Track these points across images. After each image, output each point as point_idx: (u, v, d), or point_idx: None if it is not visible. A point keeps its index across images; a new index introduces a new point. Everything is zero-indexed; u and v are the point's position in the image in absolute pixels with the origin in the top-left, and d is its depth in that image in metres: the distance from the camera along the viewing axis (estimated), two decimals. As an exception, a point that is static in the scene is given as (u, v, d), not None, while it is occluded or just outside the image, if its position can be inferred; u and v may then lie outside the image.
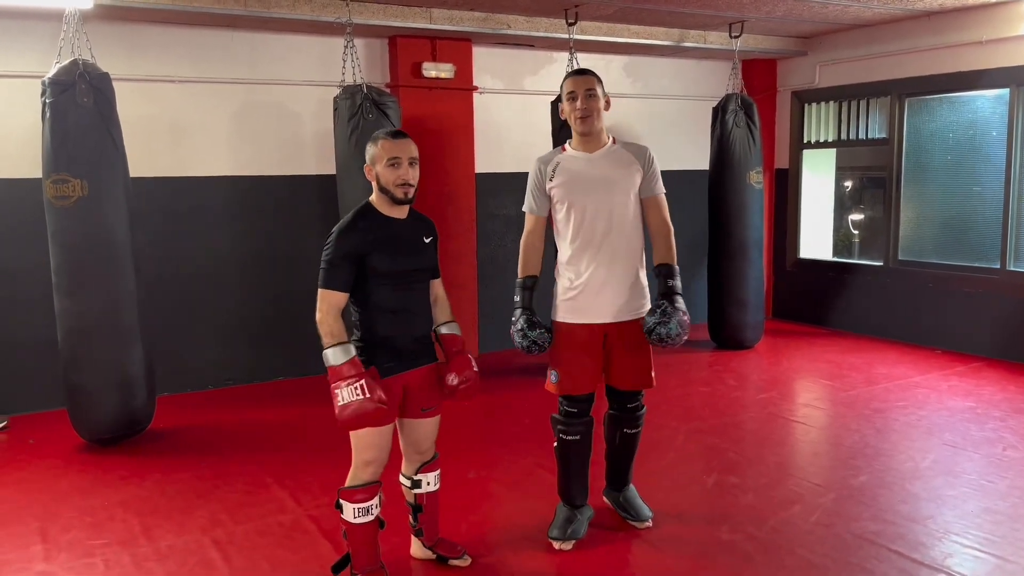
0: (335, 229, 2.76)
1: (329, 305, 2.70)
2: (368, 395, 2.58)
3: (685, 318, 3.05)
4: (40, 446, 4.56)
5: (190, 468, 4.17)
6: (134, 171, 4.62)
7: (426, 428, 3.00)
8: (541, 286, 3.29)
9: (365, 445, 2.78)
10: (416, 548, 3.18)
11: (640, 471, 3.51)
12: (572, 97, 3.14)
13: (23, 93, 4.88)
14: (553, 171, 3.21)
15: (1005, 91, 5.96)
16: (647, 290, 3.24)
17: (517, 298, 3.25)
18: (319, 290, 2.72)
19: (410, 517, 3.13)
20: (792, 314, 7.70)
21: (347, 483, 2.84)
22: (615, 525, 3.43)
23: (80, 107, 4.19)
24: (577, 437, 3.27)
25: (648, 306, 3.19)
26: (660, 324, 3.01)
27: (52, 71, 4.22)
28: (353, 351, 2.67)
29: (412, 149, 2.81)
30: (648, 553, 3.21)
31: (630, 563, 3.17)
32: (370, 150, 2.81)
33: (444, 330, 3.01)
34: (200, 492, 3.87)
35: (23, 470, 4.21)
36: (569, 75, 3.24)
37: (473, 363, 2.99)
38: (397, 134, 2.82)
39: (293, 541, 3.29)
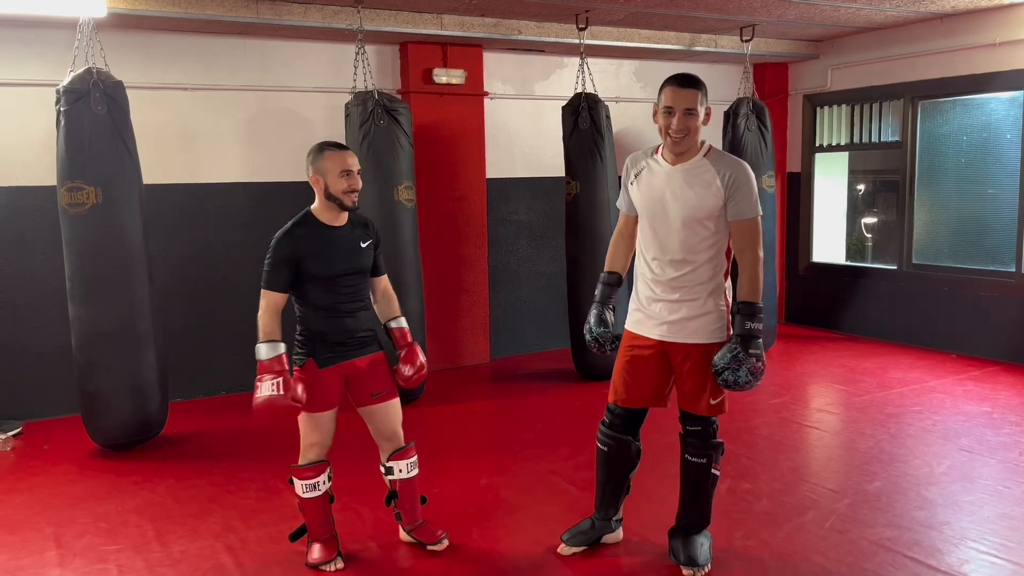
0: (275, 236, 2.99)
1: (267, 304, 2.95)
2: (283, 392, 2.83)
3: (759, 365, 2.82)
4: (54, 452, 4.59)
5: (204, 474, 4.19)
6: (148, 178, 4.65)
7: (383, 413, 3.18)
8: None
9: (308, 429, 3.09)
10: (402, 533, 3.37)
11: (651, 477, 3.48)
12: (668, 112, 2.86)
13: (38, 101, 4.92)
14: (635, 176, 3.04)
15: (1019, 93, 5.92)
16: (724, 316, 2.98)
17: (596, 292, 3.21)
18: (261, 289, 2.97)
19: (388, 503, 3.31)
20: (805, 318, 7.66)
21: (298, 462, 3.14)
22: (638, 532, 3.41)
23: (94, 115, 4.22)
24: (607, 449, 3.17)
25: (722, 335, 2.97)
26: (728, 370, 2.81)
27: (66, 79, 4.25)
28: (281, 348, 2.91)
29: (357, 161, 3.06)
30: (661, 560, 3.19)
31: (642, 571, 3.15)
32: (316, 161, 3.01)
33: (393, 324, 3.25)
34: (213, 497, 3.88)
35: (38, 476, 4.24)
36: (670, 83, 2.90)
37: (421, 353, 3.22)
38: (342, 146, 3.07)
39: (306, 547, 3.28)
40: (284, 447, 4.56)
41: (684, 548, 3.08)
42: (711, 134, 6.88)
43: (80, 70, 4.27)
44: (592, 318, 3.15)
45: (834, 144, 7.41)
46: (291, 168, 5.81)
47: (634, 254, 3.17)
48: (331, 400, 3.06)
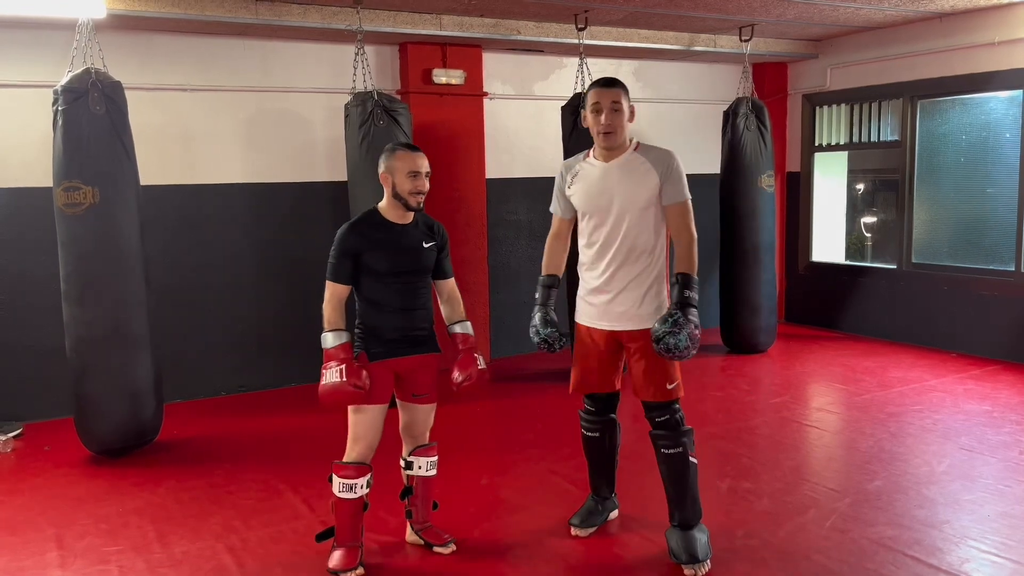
0: (340, 228, 3.09)
1: (331, 295, 3.05)
2: (346, 378, 2.91)
3: (697, 332, 2.95)
4: (55, 453, 4.58)
5: (204, 475, 4.18)
6: (145, 179, 4.65)
7: (418, 413, 3.24)
8: (564, 285, 3.36)
9: (353, 422, 3.10)
10: (409, 532, 3.37)
11: (653, 477, 3.47)
12: (596, 110, 3.07)
13: (36, 102, 4.90)
14: (572, 178, 3.22)
15: (1018, 92, 5.93)
16: (665, 301, 3.14)
17: (536, 295, 3.32)
18: (326, 281, 3.05)
19: (403, 498, 3.31)
20: (805, 318, 7.66)
21: (343, 459, 3.11)
22: (641, 532, 3.42)
23: (92, 115, 4.20)
24: (596, 434, 3.39)
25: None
26: (670, 334, 2.90)
27: (64, 79, 4.24)
28: (345, 337, 2.99)
29: (427, 163, 3.12)
30: (662, 559, 3.19)
31: (643, 569, 3.15)
32: (388, 159, 3.08)
33: (456, 328, 3.28)
34: (214, 499, 3.88)
35: (38, 477, 4.23)
36: (594, 85, 3.13)
37: (478, 360, 3.23)
38: (414, 148, 3.14)
39: (307, 547, 3.28)
40: (285, 449, 4.58)
41: (683, 547, 3.10)
42: (709, 131, 6.91)
43: (78, 70, 4.26)
44: (537, 320, 3.26)
45: (833, 144, 7.41)
46: (291, 169, 5.81)
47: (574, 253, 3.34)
48: (379, 395, 3.07)
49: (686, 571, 3.04)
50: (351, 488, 3.06)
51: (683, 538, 3.12)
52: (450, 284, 3.31)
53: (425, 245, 3.15)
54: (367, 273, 3.06)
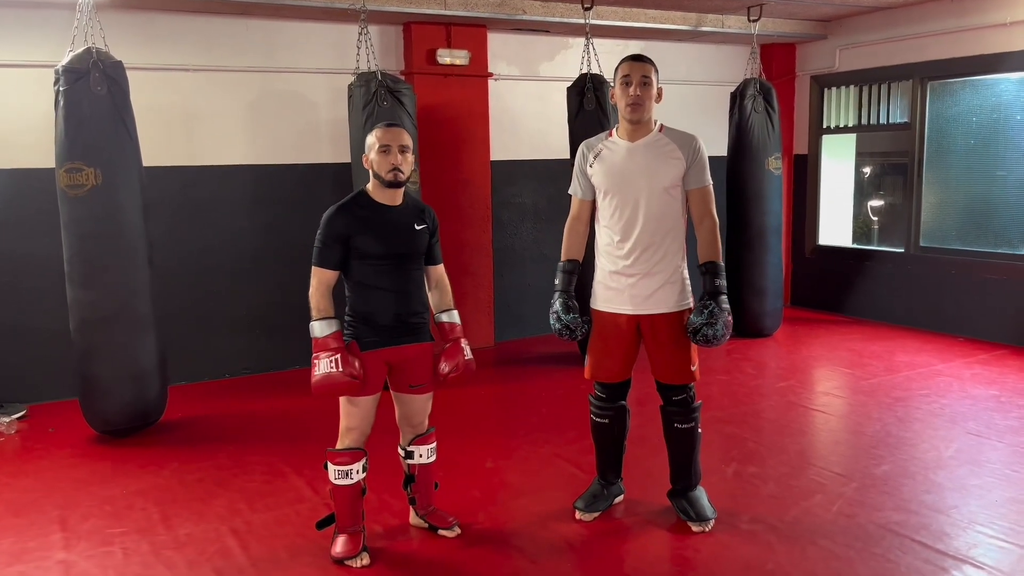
0: (326, 212, 2.98)
1: (319, 281, 2.94)
2: (341, 368, 2.83)
3: (730, 319, 3.04)
4: (59, 435, 4.58)
5: (208, 457, 4.18)
6: (148, 160, 4.62)
7: (416, 404, 3.18)
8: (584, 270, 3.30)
9: (346, 413, 3.04)
10: (412, 516, 3.36)
11: (659, 460, 3.47)
12: (626, 82, 3.05)
13: (37, 82, 4.87)
14: (594, 158, 3.17)
15: (1030, 74, 5.86)
16: (688, 284, 3.17)
17: (556, 281, 3.26)
18: (312, 267, 2.95)
19: (405, 487, 3.29)
20: (811, 301, 7.62)
21: (335, 447, 3.08)
22: (646, 516, 3.41)
23: (94, 96, 4.17)
24: (607, 421, 3.37)
25: (689, 302, 3.17)
26: (707, 325, 2.99)
27: (66, 59, 4.20)
28: (336, 326, 2.91)
29: (403, 138, 2.98)
30: (667, 543, 3.18)
31: (649, 553, 3.14)
32: (367, 141, 3.02)
33: (444, 317, 3.21)
34: (218, 481, 3.87)
35: (43, 459, 4.23)
36: (625, 59, 3.12)
37: (466, 351, 3.16)
38: (390, 124, 3.05)
39: (311, 530, 3.27)
40: (290, 431, 4.58)
41: (691, 506, 3.28)
42: (717, 113, 6.84)
43: (80, 50, 4.22)
44: (559, 306, 3.21)
45: (842, 126, 7.34)
46: (295, 150, 5.77)
47: (590, 236, 3.31)
48: (371, 385, 3.00)
49: (694, 528, 3.22)
50: (347, 474, 3.02)
51: (688, 499, 3.30)
52: (439, 270, 3.22)
53: (417, 227, 3.06)
54: (358, 257, 2.96)
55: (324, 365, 2.84)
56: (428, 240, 3.12)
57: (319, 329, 2.89)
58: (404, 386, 3.13)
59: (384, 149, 2.94)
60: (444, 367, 3.11)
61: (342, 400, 3.02)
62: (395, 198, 3.02)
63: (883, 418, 4.53)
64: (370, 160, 2.98)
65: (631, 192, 3.08)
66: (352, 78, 5.19)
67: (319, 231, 2.95)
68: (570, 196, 3.31)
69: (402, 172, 2.96)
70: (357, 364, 2.90)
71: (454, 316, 3.20)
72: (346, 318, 3.03)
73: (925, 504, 3.45)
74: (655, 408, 3.34)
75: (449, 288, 3.25)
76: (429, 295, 3.22)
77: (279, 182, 5.74)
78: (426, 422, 3.24)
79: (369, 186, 3.04)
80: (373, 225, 2.96)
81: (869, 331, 6.65)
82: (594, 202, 3.23)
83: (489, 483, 3.82)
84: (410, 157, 2.99)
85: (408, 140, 2.99)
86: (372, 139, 2.98)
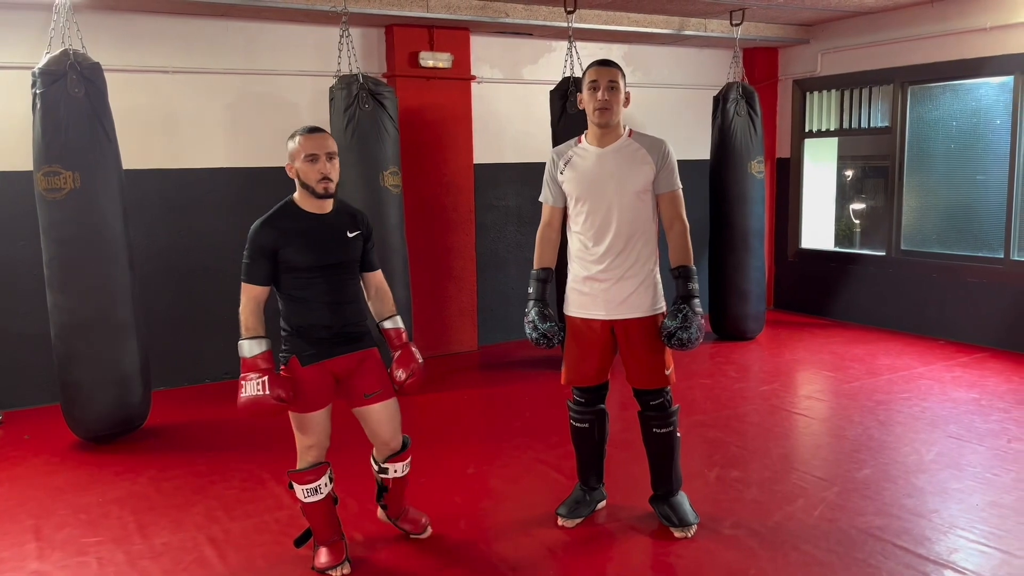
0: (252, 225, 2.85)
1: (248, 298, 2.84)
2: (268, 391, 2.73)
3: (702, 322, 3.06)
4: (35, 442, 4.52)
5: (186, 464, 4.13)
6: (129, 163, 4.57)
7: (377, 415, 3.03)
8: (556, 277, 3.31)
9: (297, 433, 2.96)
10: (380, 512, 3.33)
11: (641, 466, 3.46)
12: (594, 87, 3.05)
13: (13, 85, 4.81)
14: (565, 164, 3.17)
15: (1009, 78, 5.89)
16: (660, 288, 3.18)
17: (531, 290, 3.26)
18: (242, 283, 2.85)
19: (379, 498, 3.23)
20: (794, 305, 7.65)
21: (297, 467, 2.99)
22: (628, 522, 3.39)
23: (71, 98, 4.12)
24: (586, 425, 3.36)
25: (661, 306, 3.18)
26: (681, 329, 3.02)
27: (42, 61, 4.15)
28: (266, 345, 2.80)
29: (330, 144, 2.86)
30: (650, 549, 3.17)
31: (632, 559, 3.12)
32: (289, 147, 2.87)
33: (387, 324, 3.11)
34: (196, 488, 3.82)
35: (18, 466, 4.17)
36: (592, 64, 3.13)
37: (417, 355, 3.08)
38: (314, 129, 2.89)
39: (289, 538, 3.23)
40: (269, 437, 4.53)
41: (674, 512, 3.28)
42: (699, 116, 6.85)
43: (56, 52, 4.17)
44: (534, 315, 3.20)
45: (824, 130, 7.37)
46: (276, 153, 5.69)
47: (562, 244, 3.30)
48: (318, 400, 2.91)
49: (676, 533, 3.22)
50: (316, 491, 2.94)
51: (670, 505, 3.30)
52: (378, 277, 3.10)
53: (350, 235, 2.93)
54: (288, 271, 2.83)
55: (251, 387, 2.73)
56: (363, 246, 3.01)
57: (247, 349, 2.77)
58: (359, 398, 3.00)
59: (311, 157, 2.80)
60: (400, 374, 3.02)
61: (293, 421, 2.93)
62: (324, 206, 2.90)
63: (865, 422, 4.54)
64: (295, 169, 2.84)
65: (603, 198, 3.09)
66: (334, 81, 5.16)
67: (246, 246, 2.83)
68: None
69: (332, 181, 2.85)
70: (285, 387, 2.77)
71: (398, 322, 3.11)
72: (282, 333, 2.93)
73: (906, 508, 3.45)
74: (636, 413, 3.33)
75: (390, 294, 3.14)
76: (369, 304, 3.12)
77: (261, 185, 5.68)
78: (398, 437, 3.10)
79: (296, 195, 2.91)
80: (302, 236, 2.83)
81: (851, 334, 6.67)
82: (565, 209, 3.23)
83: (471, 489, 3.79)
84: (338, 164, 2.87)
85: (335, 146, 2.87)
86: (295, 146, 2.84)
